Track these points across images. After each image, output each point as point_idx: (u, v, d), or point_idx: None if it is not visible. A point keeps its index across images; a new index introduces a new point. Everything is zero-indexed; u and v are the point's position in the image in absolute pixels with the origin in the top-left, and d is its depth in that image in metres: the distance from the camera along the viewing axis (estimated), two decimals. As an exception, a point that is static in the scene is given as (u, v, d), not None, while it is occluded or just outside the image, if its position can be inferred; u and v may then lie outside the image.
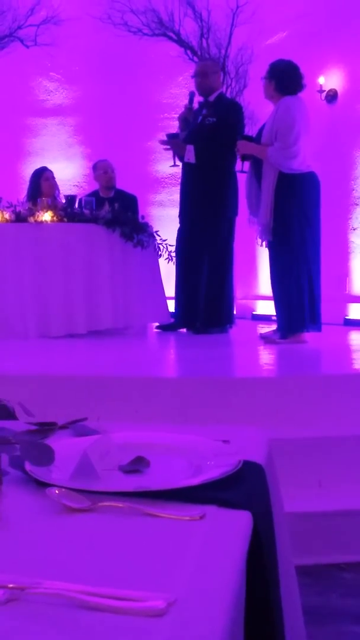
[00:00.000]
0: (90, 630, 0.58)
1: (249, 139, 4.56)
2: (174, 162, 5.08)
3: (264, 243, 4.45)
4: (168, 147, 5.07)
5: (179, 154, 4.98)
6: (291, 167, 4.26)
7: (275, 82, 4.37)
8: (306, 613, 1.37)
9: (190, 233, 5.01)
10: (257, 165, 4.47)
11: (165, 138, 5.11)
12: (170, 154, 5.10)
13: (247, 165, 4.64)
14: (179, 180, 5.35)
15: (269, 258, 4.50)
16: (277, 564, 0.98)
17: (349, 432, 2.87)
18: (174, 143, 5.00)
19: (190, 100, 5.11)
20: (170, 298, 5.33)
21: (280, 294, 4.45)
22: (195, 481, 0.92)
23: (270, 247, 4.44)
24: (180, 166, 5.09)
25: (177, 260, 5.10)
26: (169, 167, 5.31)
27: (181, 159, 5.00)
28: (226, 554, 0.74)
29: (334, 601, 2.21)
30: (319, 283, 4.42)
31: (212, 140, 4.81)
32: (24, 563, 0.71)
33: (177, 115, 5.27)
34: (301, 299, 4.34)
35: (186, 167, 5.06)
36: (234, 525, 0.82)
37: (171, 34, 7.02)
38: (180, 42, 7.01)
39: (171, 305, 5.36)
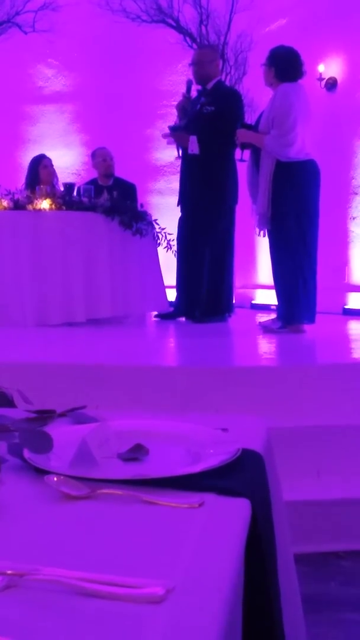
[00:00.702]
0: (88, 617, 0.58)
1: (248, 127, 4.54)
2: (178, 154, 5.04)
3: (262, 232, 4.44)
4: (172, 140, 5.03)
5: (182, 146, 4.94)
6: (288, 155, 4.24)
7: (275, 69, 4.35)
8: (305, 601, 1.38)
9: (190, 222, 5.00)
10: (256, 154, 4.45)
11: (168, 132, 5.07)
12: (173, 145, 5.08)
13: (246, 154, 4.63)
14: (178, 168, 5.33)
15: (269, 247, 4.49)
16: (276, 552, 0.98)
17: (347, 421, 2.87)
18: (178, 136, 4.96)
19: (188, 89, 5.07)
20: (170, 287, 5.32)
21: (280, 284, 4.44)
22: (194, 469, 0.92)
23: (269, 236, 4.43)
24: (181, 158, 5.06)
25: (177, 249, 5.09)
26: (174, 159, 5.27)
27: (185, 151, 4.97)
28: (225, 542, 0.74)
29: (332, 589, 2.22)
30: (314, 273, 4.41)
31: (210, 128, 4.78)
32: (22, 550, 0.71)
33: (176, 103, 5.24)
34: (298, 289, 4.34)
35: (186, 156, 5.03)
36: (233, 513, 0.82)
37: (170, 21, 6.97)
38: (179, 28, 6.96)
39: (170, 294, 5.36)
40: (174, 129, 5.04)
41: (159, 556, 0.71)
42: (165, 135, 5.12)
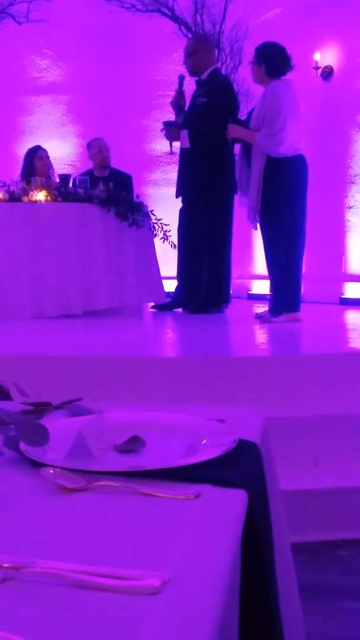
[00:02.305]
0: (85, 609, 0.58)
1: (239, 122, 4.58)
2: (170, 150, 5.04)
3: (254, 225, 4.50)
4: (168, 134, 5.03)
5: (176, 140, 4.93)
6: (279, 152, 4.30)
7: (265, 66, 4.37)
8: (303, 590, 1.38)
9: (189, 212, 5.00)
10: (246, 148, 4.51)
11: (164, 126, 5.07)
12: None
13: (237, 147, 4.67)
14: (175, 159, 5.32)
15: (262, 239, 4.54)
16: (273, 542, 0.98)
17: (345, 410, 2.88)
18: (170, 131, 4.95)
19: (180, 84, 5.04)
20: (166, 278, 5.32)
21: (272, 274, 4.49)
22: (191, 460, 0.92)
23: (261, 229, 4.48)
24: (178, 152, 5.05)
25: (178, 240, 5.09)
26: (166, 153, 5.28)
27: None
28: (221, 533, 0.75)
29: (330, 578, 2.23)
30: (300, 264, 4.45)
31: (204, 120, 4.77)
32: (19, 543, 0.71)
33: (171, 96, 5.20)
34: (291, 279, 4.38)
35: (182, 150, 5.02)
36: (229, 504, 0.82)
37: (165, 10, 6.93)
38: (175, 18, 6.92)
39: (167, 285, 5.35)
40: (167, 124, 5.02)
41: (156, 548, 0.71)
42: (162, 130, 5.11)
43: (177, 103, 5.04)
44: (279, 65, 4.36)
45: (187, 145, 4.83)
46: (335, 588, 2.15)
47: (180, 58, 5.33)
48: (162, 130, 5.09)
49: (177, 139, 4.93)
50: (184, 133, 4.83)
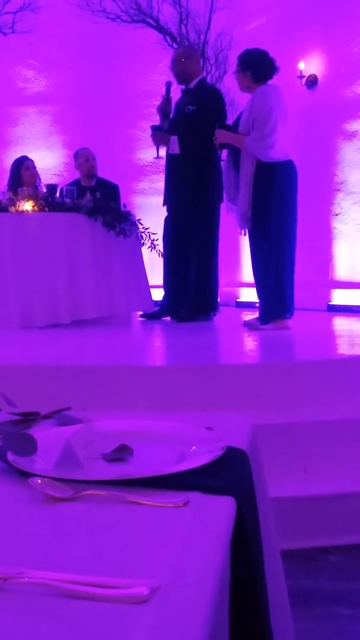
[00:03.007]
0: (73, 619, 0.58)
1: (227, 127, 4.57)
2: (157, 155, 5.04)
3: (243, 232, 4.49)
4: (157, 138, 5.02)
5: (164, 145, 4.94)
6: (269, 156, 4.29)
7: (251, 72, 4.38)
8: (294, 596, 1.39)
9: (175, 221, 5.00)
10: (234, 154, 4.49)
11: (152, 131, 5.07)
12: (154, 147, 5.08)
13: (224, 153, 4.66)
14: (162, 168, 5.33)
15: (250, 245, 4.53)
16: (262, 549, 0.99)
17: (333, 416, 2.89)
18: (159, 135, 4.96)
19: (167, 91, 5.06)
20: (154, 286, 5.32)
21: (260, 281, 4.48)
22: (179, 468, 0.92)
23: (250, 235, 4.47)
24: (164, 157, 5.06)
25: (164, 248, 5.10)
26: (152, 158, 5.28)
27: (166, 150, 4.97)
28: (210, 540, 0.75)
29: (321, 584, 2.23)
30: (293, 270, 4.46)
31: (192, 128, 4.79)
32: (7, 553, 0.71)
33: (157, 104, 5.22)
34: (280, 286, 4.38)
35: (170, 156, 5.04)
36: (218, 511, 0.83)
37: (150, 21, 6.97)
38: (160, 28, 6.96)
39: (155, 294, 5.36)
40: (154, 129, 5.04)
41: (145, 556, 0.71)
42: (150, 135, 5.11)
43: (164, 109, 5.05)
44: (265, 69, 4.37)
45: (177, 151, 4.84)
46: (326, 594, 2.15)
47: (166, 68, 5.35)
48: (151, 135, 5.07)
49: (165, 144, 4.93)
50: (174, 139, 4.84)
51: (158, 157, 5.06)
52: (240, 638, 0.80)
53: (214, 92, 5.11)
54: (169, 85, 5.04)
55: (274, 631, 0.94)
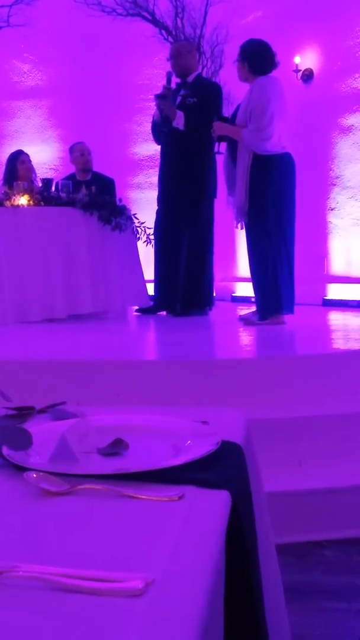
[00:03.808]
0: (68, 612, 0.58)
1: (225, 120, 4.55)
2: (169, 127, 4.85)
3: (239, 225, 4.46)
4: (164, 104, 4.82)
5: (168, 113, 4.80)
6: (266, 148, 4.27)
7: (248, 64, 4.36)
8: (288, 590, 1.39)
9: (170, 215, 4.98)
10: (232, 146, 4.47)
11: (161, 97, 4.90)
12: (153, 142, 4.98)
13: (223, 146, 4.63)
14: (157, 162, 5.30)
15: (246, 240, 4.51)
16: (257, 543, 0.99)
17: (328, 411, 2.89)
18: (165, 104, 4.83)
19: (168, 80, 5.03)
20: (150, 281, 5.32)
21: (257, 276, 4.46)
22: (174, 462, 0.92)
23: (246, 229, 4.45)
24: (160, 151, 4.99)
25: (156, 242, 5.07)
26: (163, 131, 5.05)
27: (169, 124, 4.85)
28: (205, 534, 0.75)
29: (315, 578, 2.24)
30: (292, 264, 4.44)
31: (192, 120, 4.76)
32: (1, 547, 0.71)
33: (152, 97, 5.16)
34: (277, 281, 4.37)
35: (166, 149, 5.01)
36: (213, 505, 0.83)
37: (145, 14, 6.93)
38: (155, 22, 6.93)
39: (150, 288, 5.35)
40: (159, 97, 4.88)
41: (140, 550, 0.71)
42: (156, 97, 4.93)
43: (165, 96, 4.91)
44: (263, 63, 4.35)
45: (181, 127, 4.77)
46: (321, 588, 2.16)
47: (162, 62, 5.33)
48: (159, 97, 4.91)
49: (170, 112, 4.79)
50: (180, 114, 4.77)
51: (169, 128, 4.83)
52: (235, 631, 0.80)
53: (214, 85, 5.11)
54: (169, 75, 4.98)
55: (269, 625, 0.94)
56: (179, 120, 4.78)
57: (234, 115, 4.50)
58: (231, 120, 4.49)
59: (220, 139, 4.55)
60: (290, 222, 4.40)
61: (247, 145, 4.29)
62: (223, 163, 4.65)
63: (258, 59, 4.35)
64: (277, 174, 4.29)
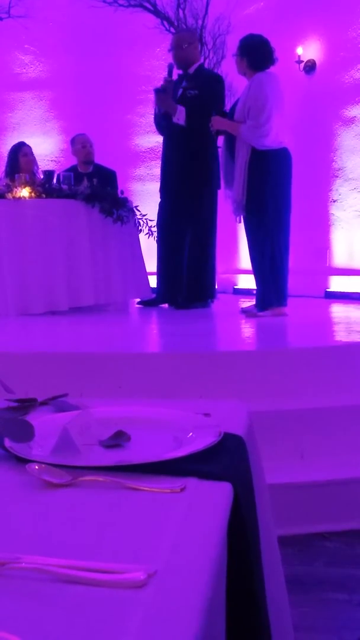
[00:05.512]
0: (70, 604, 0.58)
1: (223, 114, 4.56)
2: (173, 119, 4.81)
3: (238, 218, 4.49)
4: (162, 98, 4.80)
5: (167, 109, 4.78)
6: (264, 144, 4.31)
7: (247, 59, 4.37)
8: (290, 582, 1.39)
9: (172, 207, 4.97)
10: (230, 140, 4.49)
11: (161, 90, 4.85)
12: (156, 133, 4.95)
13: (220, 139, 4.65)
14: (159, 154, 5.29)
15: (245, 233, 4.54)
16: (259, 534, 0.99)
17: (330, 403, 2.89)
18: (164, 99, 4.82)
19: (169, 72, 5.00)
20: (152, 273, 5.32)
21: (256, 268, 4.49)
22: (176, 454, 0.92)
23: (245, 223, 4.48)
24: (162, 144, 4.96)
25: (158, 235, 5.07)
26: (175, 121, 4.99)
27: (168, 135, 4.86)
28: (207, 525, 0.75)
29: (317, 569, 2.24)
30: (287, 258, 4.46)
31: (194, 112, 4.75)
32: (4, 539, 0.71)
33: (154, 89, 5.14)
34: (275, 273, 4.39)
35: (168, 140, 4.99)
36: (215, 497, 0.83)
37: (147, 5, 6.91)
38: (157, 12, 6.90)
39: (152, 281, 5.35)
40: (158, 91, 4.85)
41: (142, 542, 0.71)
42: (156, 92, 4.90)
43: (165, 88, 4.87)
44: (261, 59, 4.36)
45: (182, 122, 4.76)
46: (323, 579, 2.16)
47: (163, 53, 5.30)
48: (159, 90, 4.85)
49: (169, 108, 4.78)
50: (181, 109, 4.75)
51: (174, 121, 4.78)
52: (236, 623, 0.80)
53: (217, 76, 5.08)
54: (171, 67, 4.96)
55: (270, 616, 0.94)
56: (180, 115, 4.76)
57: (232, 109, 4.51)
58: (229, 115, 4.50)
59: (218, 133, 4.57)
60: (287, 216, 4.45)
61: (245, 141, 4.31)
62: (221, 156, 4.67)
63: (257, 54, 4.36)
64: (274, 168, 4.32)
